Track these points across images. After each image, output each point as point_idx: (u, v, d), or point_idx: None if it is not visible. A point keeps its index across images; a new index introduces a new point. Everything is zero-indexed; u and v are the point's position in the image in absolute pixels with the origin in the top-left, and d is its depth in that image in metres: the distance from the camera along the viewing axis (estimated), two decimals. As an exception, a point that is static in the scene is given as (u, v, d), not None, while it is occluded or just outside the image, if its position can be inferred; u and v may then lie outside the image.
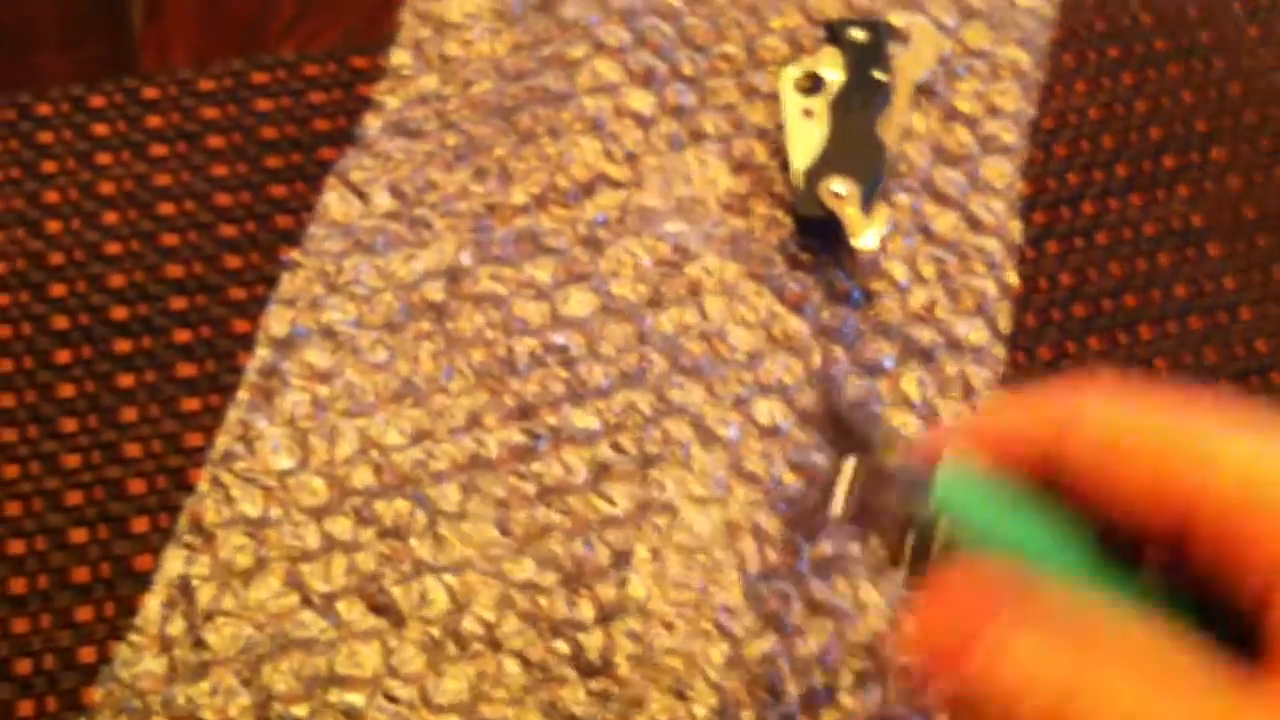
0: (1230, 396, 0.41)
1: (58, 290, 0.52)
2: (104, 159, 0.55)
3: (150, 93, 0.56)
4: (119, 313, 0.52)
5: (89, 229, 0.53)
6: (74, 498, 0.49)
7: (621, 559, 0.49)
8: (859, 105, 0.55)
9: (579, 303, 0.53)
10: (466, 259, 0.53)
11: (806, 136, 0.54)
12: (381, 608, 0.48)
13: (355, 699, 0.47)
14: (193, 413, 0.51)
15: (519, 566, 0.49)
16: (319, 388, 0.51)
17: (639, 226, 0.54)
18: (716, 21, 0.59)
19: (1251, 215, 0.57)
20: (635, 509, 0.50)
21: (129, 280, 0.53)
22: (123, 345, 0.52)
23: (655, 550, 0.49)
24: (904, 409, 0.52)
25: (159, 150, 0.55)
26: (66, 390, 0.51)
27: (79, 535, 0.49)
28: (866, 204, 0.53)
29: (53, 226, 0.53)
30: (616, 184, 0.55)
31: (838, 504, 0.38)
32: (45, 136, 0.55)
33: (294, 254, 0.53)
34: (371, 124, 0.56)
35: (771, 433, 0.51)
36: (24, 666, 0.47)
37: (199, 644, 0.47)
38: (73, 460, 0.50)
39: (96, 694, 0.47)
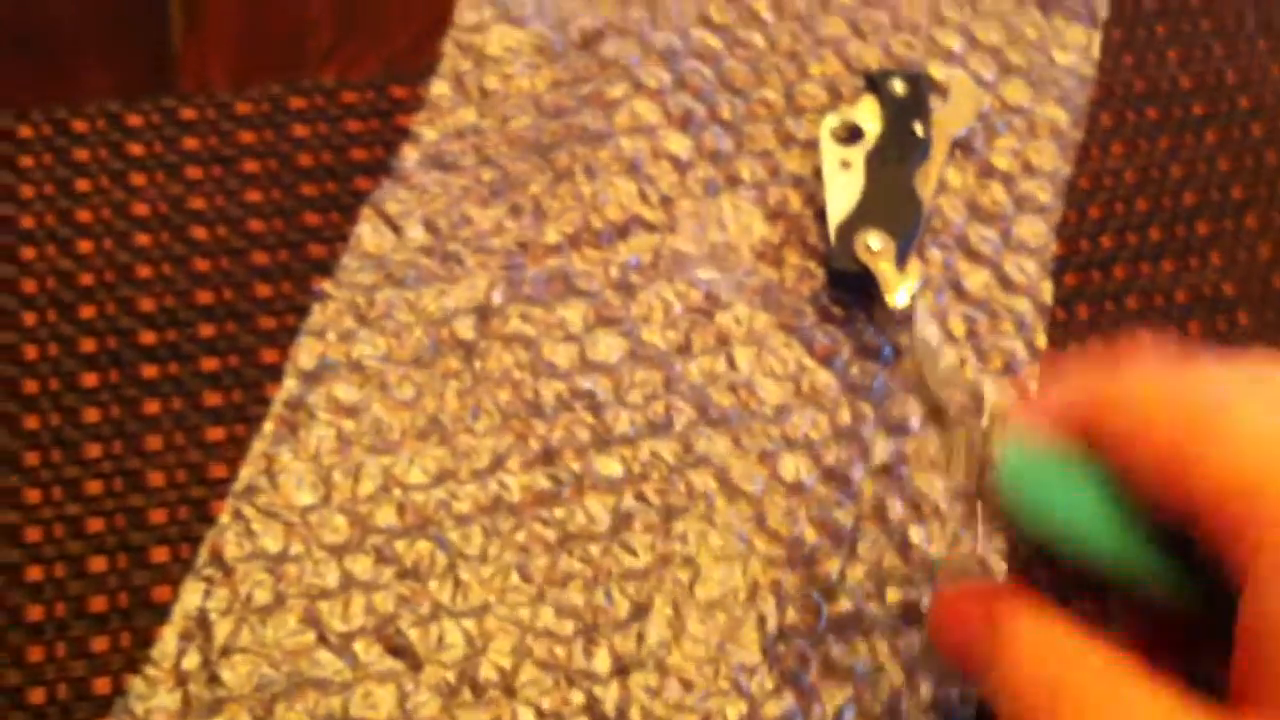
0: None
1: (87, 312, 0.52)
2: (138, 179, 0.54)
3: (188, 114, 0.56)
4: (147, 337, 0.52)
5: (121, 250, 0.53)
6: (95, 525, 0.49)
7: (640, 611, 0.49)
8: (896, 158, 0.55)
9: (608, 347, 0.53)
10: (497, 297, 0.53)
11: (843, 187, 0.54)
12: (398, 650, 0.48)
13: (369, 742, 0.47)
14: (217, 443, 0.50)
15: (537, 614, 0.48)
16: (345, 422, 0.51)
17: (671, 271, 0.54)
18: (757, 66, 0.58)
19: (1283, 286, 0.57)
20: (656, 561, 0.49)
21: (159, 305, 0.52)
22: (150, 371, 0.51)
23: (675, 604, 0.49)
24: (928, 470, 0.52)
25: (194, 173, 0.55)
26: (91, 415, 0.51)
27: (98, 564, 0.48)
28: (901, 260, 0.52)
29: (84, 246, 0.53)
30: (650, 227, 0.55)
31: (958, 471, 0.40)
32: (81, 154, 0.54)
33: (326, 285, 0.53)
34: (409, 156, 0.55)
35: (796, 489, 0.51)
36: (37, 696, 0.47)
37: (214, 680, 0.47)
38: (95, 487, 0.49)
39: (109, 727, 0.47)
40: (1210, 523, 0.35)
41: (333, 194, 0.55)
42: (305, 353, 0.52)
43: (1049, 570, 0.43)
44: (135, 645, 0.47)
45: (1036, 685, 0.37)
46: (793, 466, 0.51)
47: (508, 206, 0.55)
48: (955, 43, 0.59)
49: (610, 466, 0.51)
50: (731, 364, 0.53)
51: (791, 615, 0.49)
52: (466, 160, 0.55)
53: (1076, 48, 0.60)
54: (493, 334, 0.52)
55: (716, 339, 0.53)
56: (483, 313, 0.53)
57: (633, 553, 0.49)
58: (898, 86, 0.56)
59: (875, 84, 0.56)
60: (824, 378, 0.53)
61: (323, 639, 0.48)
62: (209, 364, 0.52)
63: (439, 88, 0.57)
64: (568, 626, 0.48)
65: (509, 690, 0.47)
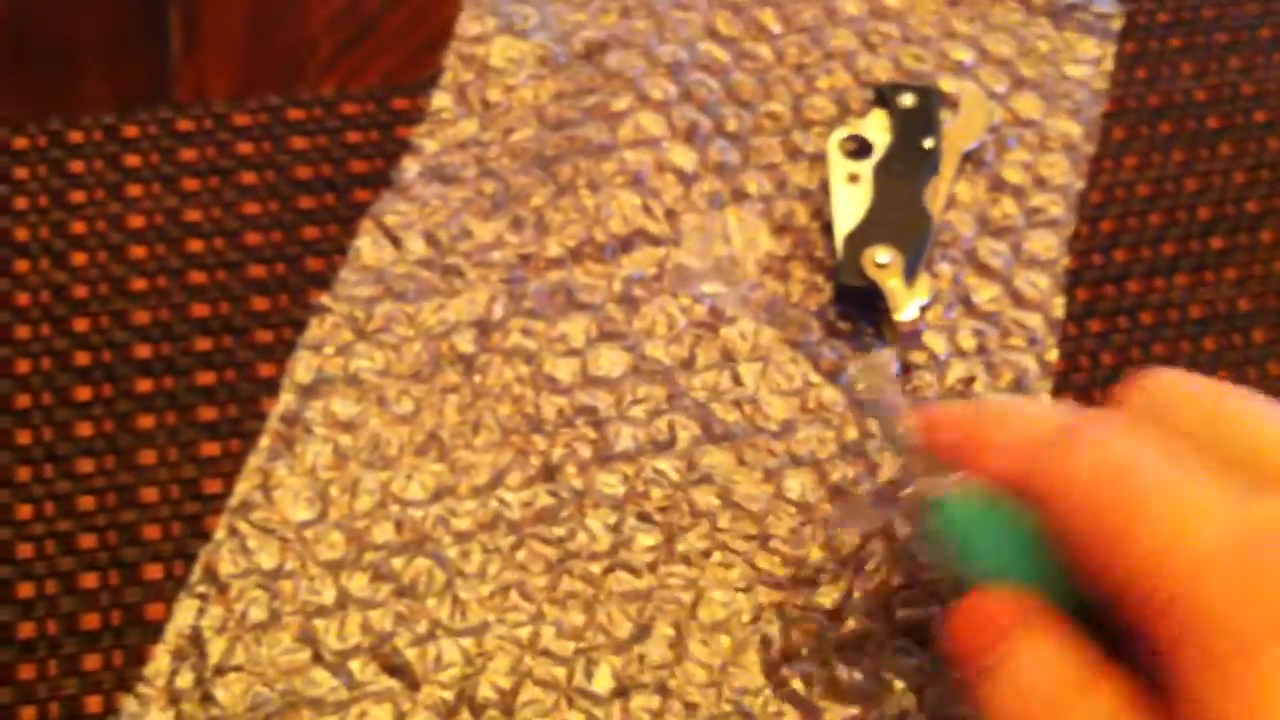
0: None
1: (81, 325, 0.51)
2: (134, 191, 0.54)
3: (185, 125, 0.55)
4: (142, 351, 0.51)
5: (115, 263, 0.52)
6: (87, 541, 0.48)
7: (642, 632, 0.48)
8: (905, 172, 0.54)
9: (610, 362, 0.52)
10: (498, 311, 0.52)
11: (851, 201, 0.53)
12: (396, 669, 0.47)
13: (365, 763, 0.46)
14: (212, 458, 0.50)
15: (537, 633, 0.48)
16: (342, 437, 0.50)
17: (675, 286, 0.53)
18: (764, 78, 0.58)
19: (1300, 302, 0.56)
20: (658, 580, 0.49)
21: (154, 318, 0.52)
22: (144, 385, 0.51)
23: (677, 625, 0.48)
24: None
25: (191, 184, 0.54)
26: (84, 429, 0.50)
27: (90, 580, 0.48)
28: (910, 275, 0.52)
29: (79, 259, 0.52)
30: (655, 240, 0.54)
31: None
32: (76, 165, 0.54)
33: (324, 298, 0.52)
34: (409, 167, 0.55)
35: (802, 508, 0.50)
36: (29, 715, 0.46)
37: (207, 699, 0.46)
38: (87, 502, 0.49)
39: (100, 747, 0.46)
40: (1130, 606, 0.36)
41: (331, 206, 0.54)
42: (302, 367, 0.51)
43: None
44: (128, 663, 0.47)
45: (1025, 710, 0.37)
46: (798, 484, 0.50)
47: (509, 219, 0.54)
48: (966, 55, 0.59)
49: (611, 483, 0.50)
50: (736, 379, 0.52)
51: (796, 636, 0.48)
52: (468, 172, 0.55)
53: (1089, 60, 0.59)
54: (493, 348, 0.52)
55: (721, 354, 0.52)
56: (483, 327, 0.52)
57: (634, 572, 0.49)
58: (907, 99, 0.55)
59: (884, 97, 0.56)
60: (830, 394, 0.52)
61: (318, 657, 0.47)
62: (204, 378, 0.51)
63: (440, 99, 0.56)
64: (568, 646, 0.47)
65: (508, 711, 0.46)
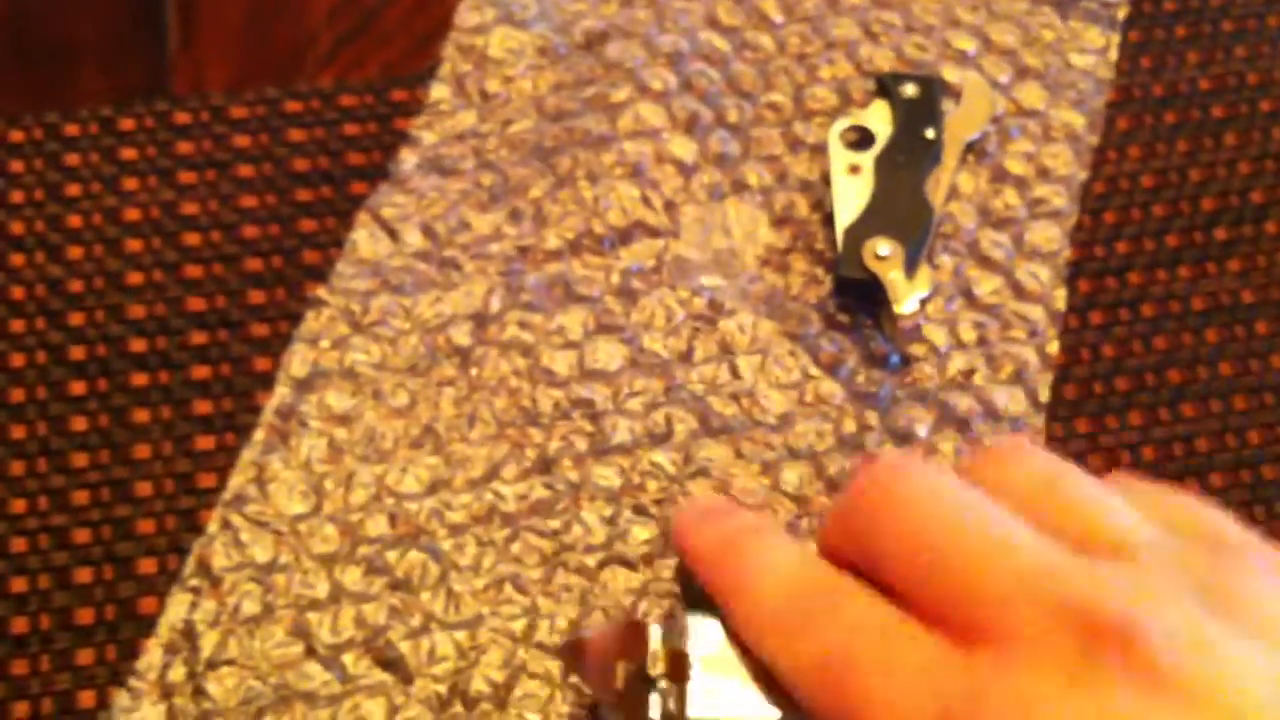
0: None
1: (76, 319, 0.51)
2: (130, 184, 0.54)
3: (182, 117, 0.55)
4: (137, 345, 0.51)
5: (111, 256, 0.52)
6: (81, 536, 0.48)
7: (638, 626, 0.48)
8: (906, 163, 0.53)
9: (608, 355, 0.52)
10: (495, 303, 0.52)
11: (852, 193, 0.53)
12: (389, 662, 0.47)
13: (358, 758, 0.46)
14: (207, 452, 0.50)
15: (531, 626, 0.47)
16: (337, 430, 0.50)
17: (674, 278, 0.53)
18: (765, 69, 0.57)
19: (1304, 293, 0.56)
20: (653, 574, 0.48)
21: (149, 312, 0.51)
22: (139, 379, 0.51)
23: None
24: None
25: (187, 177, 0.54)
26: (79, 424, 0.50)
27: (84, 575, 0.48)
28: (910, 267, 0.51)
29: (74, 252, 0.52)
30: (654, 232, 0.54)
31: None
32: (72, 158, 0.54)
33: (320, 291, 0.52)
34: (407, 159, 0.54)
35: (799, 501, 0.50)
36: (21, 710, 0.46)
37: (199, 693, 0.46)
38: (81, 497, 0.49)
39: (92, 742, 0.46)
40: None
41: (329, 199, 0.54)
42: (297, 360, 0.51)
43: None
44: (121, 658, 0.47)
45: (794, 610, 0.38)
46: (795, 477, 0.50)
47: (507, 211, 0.54)
48: (969, 45, 0.58)
49: (608, 476, 0.50)
50: (735, 373, 0.52)
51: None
52: (466, 164, 0.55)
53: (1094, 50, 0.59)
54: (490, 341, 0.51)
55: (719, 346, 0.52)
56: (480, 319, 0.52)
57: (630, 565, 0.48)
58: (909, 90, 0.55)
59: (886, 87, 0.55)
60: (829, 386, 0.51)
61: (312, 651, 0.47)
62: (200, 372, 0.51)
63: (439, 90, 0.56)
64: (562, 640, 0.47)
65: (501, 704, 0.46)
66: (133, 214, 0.53)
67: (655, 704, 0.40)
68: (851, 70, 0.58)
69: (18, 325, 0.51)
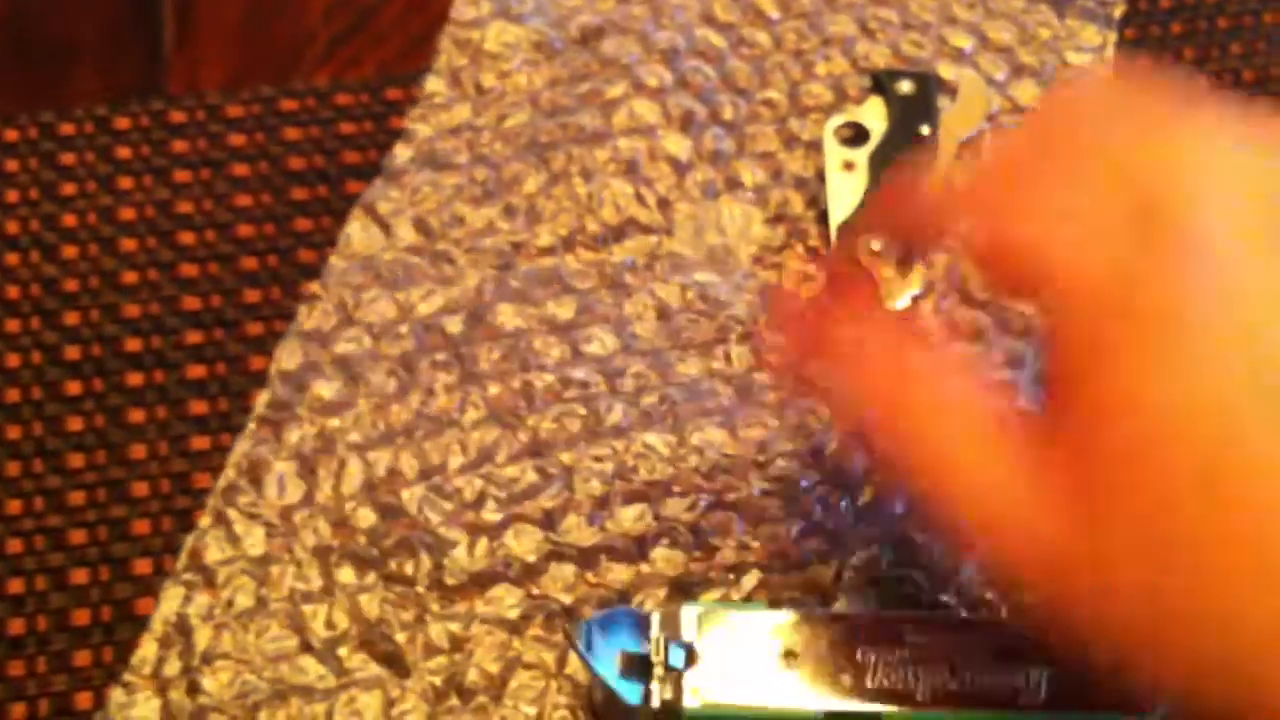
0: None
1: (71, 318, 0.51)
2: (126, 183, 0.54)
3: (177, 116, 0.55)
4: (133, 344, 0.51)
5: (106, 256, 0.52)
6: (77, 537, 0.48)
7: (632, 616, 0.48)
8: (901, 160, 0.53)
9: (600, 343, 0.51)
10: (488, 297, 0.52)
11: (846, 189, 0.53)
12: (384, 655, 0.47)
13: (354, 749, 0.46)
14: (202, 452, 0.50)
15: (526, 617, 0.47)
16: (328, 420, 0.50)
17: (667, 274, 0.53)
18: (760, 66, 0.57)
19: None
20: (648, 559, 0.48)
21: (144, 311, 0.52)
22: (135, 379, 0.51)
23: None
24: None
25: (183, 176, 0.54)
26: (75, 424, 0.50)
27: (80, 576, 0.48)
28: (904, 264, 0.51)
29: (69, 252, 0.52)
30: (647, 229, 0.54)
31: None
32: (67, 157, 0.54)
33: (314, 287, 0.52)
34: (401, 154, 0.54)
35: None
36: (18, 711, 0.46)
37: (194, 688, 0.46)
38: (77, 497, 0.49)
39: (88, 739, 0.46)
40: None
41: (324, 198, 0.54)
42: (289, 354, 0.51)
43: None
44: (118, 659, 0.47)
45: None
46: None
47: (501, 206, 0.54)
48: (966, 42, 0.58)
49: (601, 459, 0.50)
50: (728, 359, 0.52)
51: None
52: (460, 158, 0.55)
53: (1090, 48, 0.59)
54: (483, 331, 0.51)
55: (714, 336, 0.52)
56: (473, 312, 0.52)
57: (624, 550, 0.48)
58: (905, 86, 0.55)
59: (882, 84, 0.55)
60: (823, 382, 0.51)
61: (306, 645, 0.47)
62: (195, 371, 0.51)
63: (434, 84, 0.56)
64: (557, 631, 0.47)
65: (496, 696, 0.46)
66: (128, 213, 0.53)
67: (654, 693, 0.41)
68: (847, 67, 0.58)
69: (13, 325, 0.51)
